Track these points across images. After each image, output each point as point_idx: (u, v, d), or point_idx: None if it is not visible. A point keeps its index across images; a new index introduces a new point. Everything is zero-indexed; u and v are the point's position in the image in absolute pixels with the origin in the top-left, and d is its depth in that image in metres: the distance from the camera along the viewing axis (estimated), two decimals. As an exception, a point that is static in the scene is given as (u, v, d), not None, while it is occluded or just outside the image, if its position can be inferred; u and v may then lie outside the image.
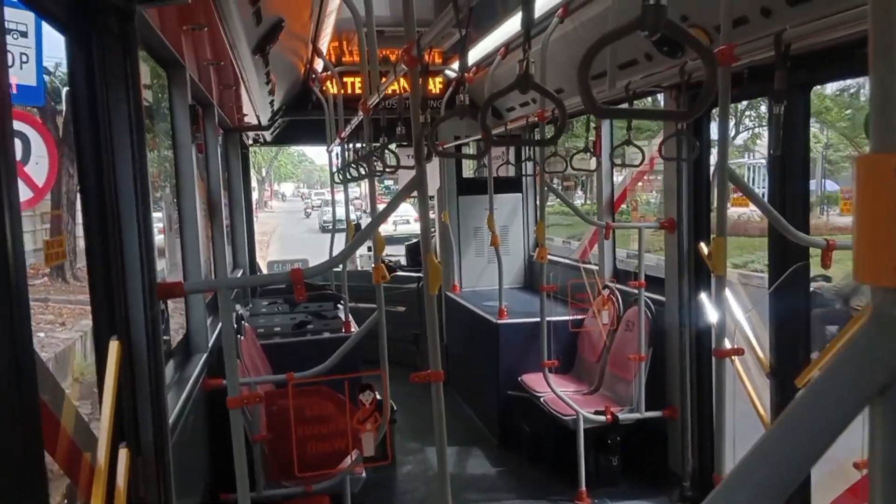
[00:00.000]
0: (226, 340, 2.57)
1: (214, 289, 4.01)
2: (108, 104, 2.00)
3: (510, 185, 7.19)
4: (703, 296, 4.40)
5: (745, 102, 18.30)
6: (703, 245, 4.22)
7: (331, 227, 7.08)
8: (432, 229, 7.42)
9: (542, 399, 5.09)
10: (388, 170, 3.58)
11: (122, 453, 2.02)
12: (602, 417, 4.67)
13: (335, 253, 2.82)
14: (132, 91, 2.04)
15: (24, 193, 2.13)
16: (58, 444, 1.82)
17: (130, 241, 2.08)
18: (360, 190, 25.19)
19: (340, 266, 5.81)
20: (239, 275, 6.68)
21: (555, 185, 5.01)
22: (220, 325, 4.60)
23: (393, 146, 3.90)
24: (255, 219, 10.13)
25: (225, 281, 4.20)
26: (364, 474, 3.94)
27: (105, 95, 1.99)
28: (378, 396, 3.34)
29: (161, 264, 4.14)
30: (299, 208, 48.22)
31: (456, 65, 5.94)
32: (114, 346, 2.02)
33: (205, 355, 3.92)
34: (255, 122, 6.41)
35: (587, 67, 1.05)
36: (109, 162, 2.02)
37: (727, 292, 3.31)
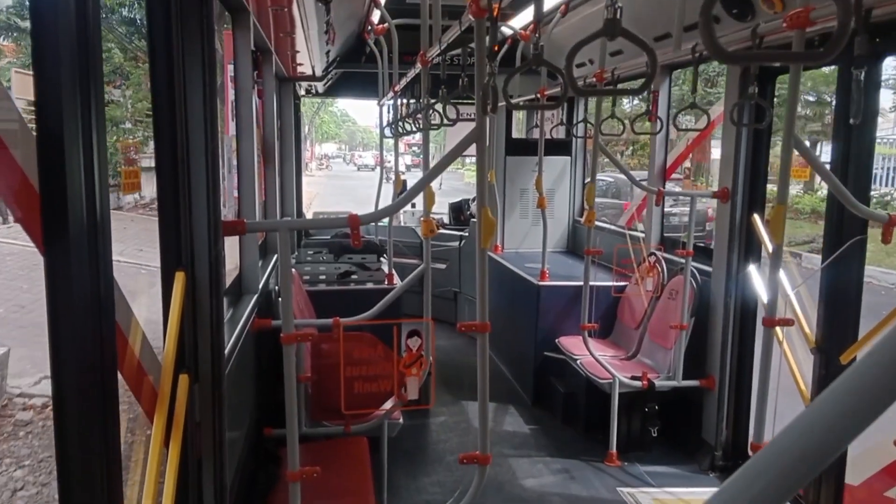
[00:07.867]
0: (283, 279, 2.65)
1: (275, 229, 4.14)
2: (182, 45, 2.04)
3: (560, 147, 7.11)
4: (752, 268, 4.34)
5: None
6: (756, 217, 4.14)
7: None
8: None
9: (578, 362, 5.14)
10: (446, 123, 3.60)
11: (182, 379, 2.09)
12: (638, 383, 4.70)
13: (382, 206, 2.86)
14: (206, 33, 2.09)
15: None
16: (125, 364, 1.93)
17: (198, 179, 2.14)
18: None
19: (385, 221, 5.89)
20: None
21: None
22: (269, 268, 4.77)
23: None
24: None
25: (285, 222, 4.33)
26: (401, 420, 4.07)
27: (181, 37, 2.03)
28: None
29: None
30: (344, 172, 45.89)
31: (512, 21, 5.85)
32: (179, 278, 2.10)
33: (255, 296, 4.06)
34: (309, 72, 6.45)
35: (709, 10, 1.06)
36: (181, 103, 2.06)
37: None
